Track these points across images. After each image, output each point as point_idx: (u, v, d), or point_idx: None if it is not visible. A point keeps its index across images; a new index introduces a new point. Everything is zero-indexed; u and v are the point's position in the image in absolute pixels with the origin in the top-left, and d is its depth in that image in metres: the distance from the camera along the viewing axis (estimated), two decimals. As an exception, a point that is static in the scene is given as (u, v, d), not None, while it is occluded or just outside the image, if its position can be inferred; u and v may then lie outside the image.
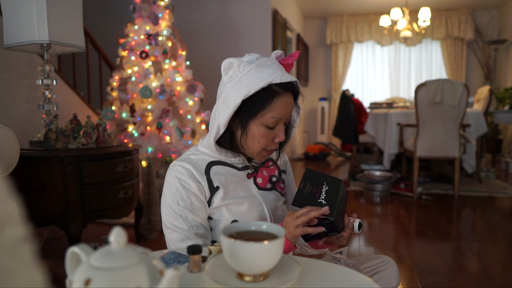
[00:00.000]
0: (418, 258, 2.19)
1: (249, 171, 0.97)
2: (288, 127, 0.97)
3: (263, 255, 0.58)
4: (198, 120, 3.11)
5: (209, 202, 0.91)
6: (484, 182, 4.16)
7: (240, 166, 0.95)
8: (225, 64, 0.88)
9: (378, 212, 3.24)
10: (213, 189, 0.91)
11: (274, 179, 1.01)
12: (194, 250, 0.65)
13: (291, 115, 0.93)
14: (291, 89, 0.89)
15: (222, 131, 0.89)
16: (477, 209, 3.29)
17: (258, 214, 0.93)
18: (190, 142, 2.95)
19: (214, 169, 0.92)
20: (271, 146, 0.92)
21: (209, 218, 0.93)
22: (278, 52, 0.92)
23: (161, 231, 2.53)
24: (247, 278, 0.60)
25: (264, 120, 0.87)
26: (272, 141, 0.91)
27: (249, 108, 0.87)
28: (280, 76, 0.85)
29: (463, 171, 4.31)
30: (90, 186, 1.95)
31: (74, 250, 0.46)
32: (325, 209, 0.82)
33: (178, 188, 0.89)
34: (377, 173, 3.69)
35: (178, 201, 0.88)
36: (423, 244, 2.43)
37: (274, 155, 1.03)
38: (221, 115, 0.88)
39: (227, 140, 0.91)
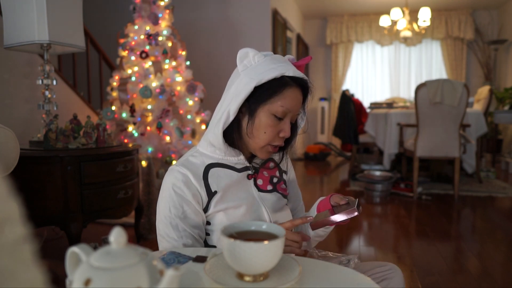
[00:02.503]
0: (418, 258, 2.19)
1: (250, 172, 0.95)
2: (293, 129, 0.97)
3: (263, 255, 0.58)
4: (198, 120, 3.11)
5: (207, 207, 0.90)
6: (484, 182, 4.16)
7: (239, 167, 0.94)
8: (241, 53, 0.90)
9: (378, 212, 3.24)
10: (211, 194, 0.89)
11: (275, 179, 0.99)
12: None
13: (298, 113, 0.93)
14: (301, 85, 0.91)
15: (232, 118, 0.88)
16: (477, 209, 3.29)
17: (257, 218, 0.92)
18: (190, 142, 2.95)
19: (212, 172, 0.91)
20: (276, 141, 0.91)
21: (207, 223, 0.92)
22: (290, 56, 0.95)
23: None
24: (247, 278, 0.60)
25: (273, 108, 0.88)
26: (278, 135, 0.90)
27: (260, 93, 0.87)
28: (293, 70, 0.88)
29: (463, 171, 4.31)
30: (90, 186, 1.95)
31: (74, 250, 0.46)
32: (309, 219, 0.85)
33: (171, 194, 0.88)
34: (377, 173, 3.69)
35: (170, 208, 0.87)
36: (423, 244, 2.43)
37: (276, 157, 1.02)
38: (232, 101, 0.88)
39: (234, 130, 0.91)
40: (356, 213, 0.82)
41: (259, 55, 0.89)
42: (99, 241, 2.26)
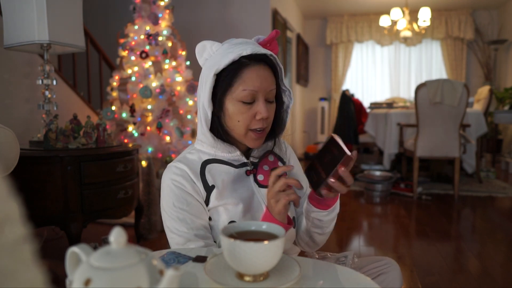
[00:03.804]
0: (418, 258, 2.19)
1: (248, 167, 0.93)
2: (280, 111, 0.93)
3: (263, 255, 0.58)
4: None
5: (207, 202, 0.88)
6: (484, 182, 4.16)
7: (237, 163, 0.92)
8: (198, 47, 0.89)
9: (378, 212, 3.24)
10: (209, 188, 0.88)
11: None
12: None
13: (271, 89, 0.86)
14: (265, 61, 0.86)
15: (209, 113, 0.86)
16: (477, 209, 3.29)
17: (256, 215, 0.90)
18: (190, 142, 2.95)
19: (209, 167, 0.89)
20: (255, 125, 0.86)
21: (209, 218, 0.91)
22: (258, 36, 0.92)
23: (161, 231, 2.53)
24: (247, 278, 0.60)
25: (237, 95, 0.84)
26: (254, 118, 0.85)
27: (222, 82, 0.84)
28: (251, 48, 0.83)
29: (463, 171, 4.31)
30: (90, 186, 1.95)
31: (74, 250, 0.46)
32: (289, 166, 0.81)
33: (173, 189, 0.87)
34: (377, 173, 3.69)
35: (173, 203, 0.86)
36: (423, 244, 2.43)
37: (270, 145, 0.97)
38: (201, 96, 0.87)
39: (218, 125, 0.88)
40: (350, 159, 0.74)
41: (216, 44, 0.88)
42: (99, 241, 2.26)
